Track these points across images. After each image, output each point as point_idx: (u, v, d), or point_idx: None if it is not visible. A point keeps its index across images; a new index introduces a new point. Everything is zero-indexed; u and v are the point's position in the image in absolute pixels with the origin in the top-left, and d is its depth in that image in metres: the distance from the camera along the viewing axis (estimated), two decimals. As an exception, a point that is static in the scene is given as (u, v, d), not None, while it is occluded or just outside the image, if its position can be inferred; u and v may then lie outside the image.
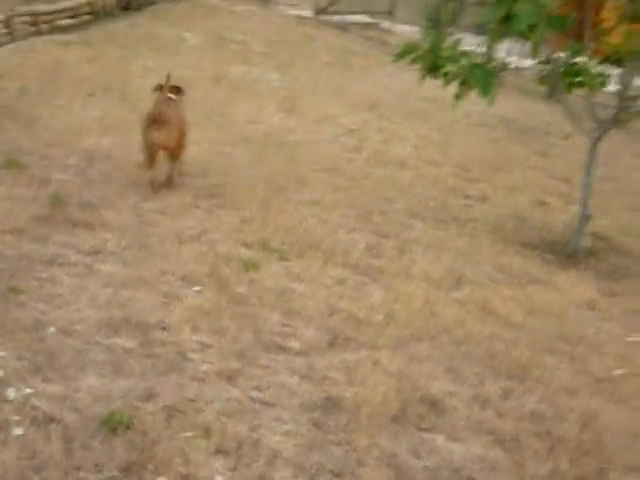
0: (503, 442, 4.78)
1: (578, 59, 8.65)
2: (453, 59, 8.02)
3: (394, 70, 16.75)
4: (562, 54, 8.78)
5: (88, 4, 18.71)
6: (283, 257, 6.95)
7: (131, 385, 4.61)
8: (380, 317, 6.05)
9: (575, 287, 7.55)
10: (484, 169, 11.30)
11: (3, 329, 4.95)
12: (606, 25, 8.96)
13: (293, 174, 9.42)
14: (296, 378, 5.03)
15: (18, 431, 4.01)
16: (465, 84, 7.83)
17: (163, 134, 8.10)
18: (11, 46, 14.10)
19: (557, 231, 9.20)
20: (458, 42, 8.32)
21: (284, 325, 5.73)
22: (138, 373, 4.76)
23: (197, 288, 6.04)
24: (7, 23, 15.23)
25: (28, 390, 4.35)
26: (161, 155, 8.27)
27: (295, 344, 5.47)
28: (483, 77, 7.58)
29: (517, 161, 12.12)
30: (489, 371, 5.61)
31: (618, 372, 5.94)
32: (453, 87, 7.99)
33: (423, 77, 8.28)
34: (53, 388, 4.44)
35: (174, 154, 8.35)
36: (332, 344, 5.57)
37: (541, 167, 12.08)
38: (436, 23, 22.32)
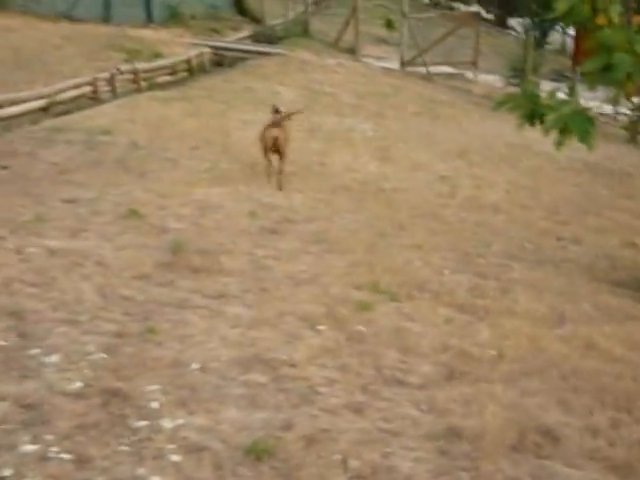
0: (617, 468, 5.01)
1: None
2: (553, 107, 8.34)
3: (480, 118, 17.23)
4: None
5: (185, 62, 19.58)
6: (393, 298, 7.29)
7: (269, 417, 4.97)
8: (492, 353, 6.33)
9: (672, 323, 7.75)
10: (573, 212, 11.60)
11: (146, 366, 5.37)
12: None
13: (392, 219, 9.82)
14: (418, 410, 5.35)
15: (175, 458, 4.40)
16: (565, 131, 8.15)
17: (277, 132, 10.93)
18: (117, 102, 14.88)
19: (648, 271, 9.43)
20: (555, 91, 8.64)
21: (402, 361, 6.05)
22: (273, 406, 5.12)
23: (318, 327, 6.40)
24: (110, 80, 16.06)
25: (180, 421, 4.75)
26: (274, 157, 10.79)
27: (414, 379, 5.79)
28: (583, 124, 7.92)
29: (604, 204, 12.37)
30: (597, 403, 5.84)
31: None
32: (538, 133, 8.31)
33: (521, 125, 8.59)
34: (199, 420, 4.82)
35: (283, 153, 11.01)
36: (449, 378, 5.88)
37: (628, 209, 12.32)
38: (519, 72, 22.78)
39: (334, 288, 7.31)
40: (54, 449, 4.29)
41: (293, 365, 5.69)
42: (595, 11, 7.84)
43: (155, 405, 4.89)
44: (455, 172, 13.05)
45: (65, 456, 4.24)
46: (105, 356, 5.44)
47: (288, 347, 5.97)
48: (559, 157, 13.74)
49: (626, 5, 7.97)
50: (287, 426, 4.88)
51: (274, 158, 11.02)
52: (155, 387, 5.11)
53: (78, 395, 4.87)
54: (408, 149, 14.14)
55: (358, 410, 5.23)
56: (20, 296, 6.24)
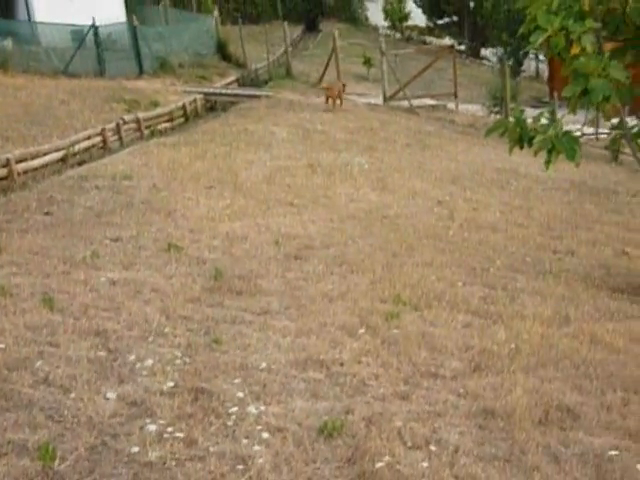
0: (630, 435, 5.83)
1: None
2: (539, 130, 9.19)
3: (466, 146, 18.18)
4: (629, 119, 9.90)
5: (180, 108, 20.54)
6: (416, 308, 8.16)
7: (330, 405, 5.81)
8: (511, 347, 7.18)
9: (666, 320, 8.61)
10: (565, 227, 12.48)
11: (220, 369, 6.24)
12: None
13: (401, 242, 10.68)
14: (455, 395, 6.19)
15: (265, 435, 5.25)
16: (553, 151, 9.00)
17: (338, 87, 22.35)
18: (128, 150, 15.76)
19: (641, 276, 10.28)
20: (540, 116, 9.51)
21: (432, 359, 6.89)
22: (332, 396, 5.97)
23: (356, 334, 7.26)
24: (117, 130, 16.99)
25: (261, 408, 5.61)
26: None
27: (446, 372, 6.63)
28: (569, 143, 8.78)
29: (594, 219, 13.25)
30: (607, 386, 6.66)
31: None
32: (523, 157, 9.14)
33: (512, 148, 9.44)
34: (274, 409, 5.67)
35: (341, 98, 23.12)
36: (476, 370, 6.72)
37: (616, 223, 13.19)
38: (498, 100, 23.80)
39: (362, 302, 8.17)
40: (169, 429, 5.17)
41: (342, 364, 6.55)
42: (569, 42, 8.67)
43: (240, 395, 5.74)
44: (451, 197, 13.94)
45: (178, 434, 5.12)
46: (184, 362, 6.29)
47: (334, 350, 6.82)
48: (546, 178, 14.74)
49: (598, 34, 8.80)
50: (348, 411, 5.73)
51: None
52: (233, 384, 5.96)
53: (171, 393, 5.73)
54: (403, 178, 15.03)
55: (404, 397, 6.07)
56: (98, 319, 7.14)
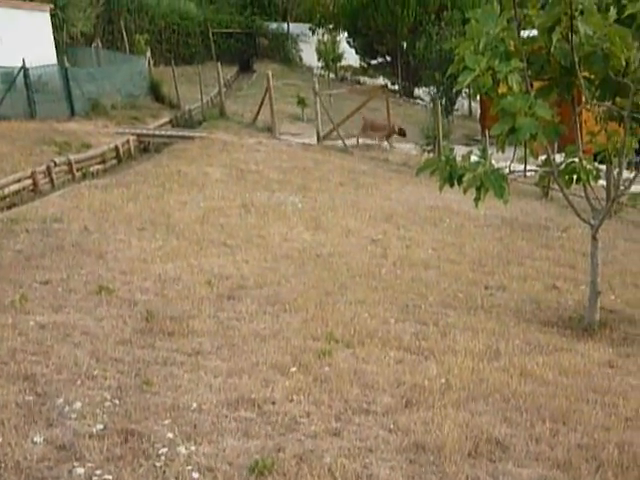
0: (559, 465, 5.92)
1: (572, 159, 9.90)
2: (468, 168, 9.30)
3: (400, 185, 18.35)
4: (558, 156, 10.09)
5: (113, 150, 20.47)
6: (348, 345, 8.19)
7: (262, 443, 5.81)
8: (440, 382, 7.24)
9: (595, 352, 8.73)
10: (497, 263, 12.64)
11: (150, 411, 6.20)
12: (587, 126, 10.32)
13: (334, 280, 10.74)
14: (386, 431, 6.22)
15: (195, 475, 5.23)
16: (481, 188, 9.11)
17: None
18: (59, 192, 15.65)
19: (571, 309, 10.44)
20: (469, 154, 9.63)
21: (364, 395, 6.92)
22: (263, 435, 5.96)
23: (288, 372, 7.27)
24: (48, 173, 16.88)
25: (192, 448, 5.58)
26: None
27: (378, 408, 6.66)
28: (497, 181, 8.90)
29: (525, 254, 13.44)
30: (536, 418, 6.74)
31: (643, 410, 7.11)
32: (456, 195, 9.28)
33: (442, 186, 9.54)
34: (205, 449, 5.65)
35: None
36: (407, 406, 6.76)
37: (547, 257, 13.39)
38: (432, 139, 24.10)
39: (295, 340, 8.19)
40: (98, 472, 5.12)
41: (274, 402, 6.55)
42: (496, 81, 8.85)
43: (170, 436, 5.72)
44: (384, 235, 14.05)
45: (107, 477, 5.07)
46: (114, 405, 6.25)
47: (266, 389, 6.82)
48: (479, 215, 14.92)
49: (523, 74, 8.98)
50: (279, 449, 5.73)
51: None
52: (163, 425, 5.93)
53: (100, 436, 5.68)
54: (337, 217, 15.12)
55: (336, 433, 6.09)
56: (26, 363, 7.06)
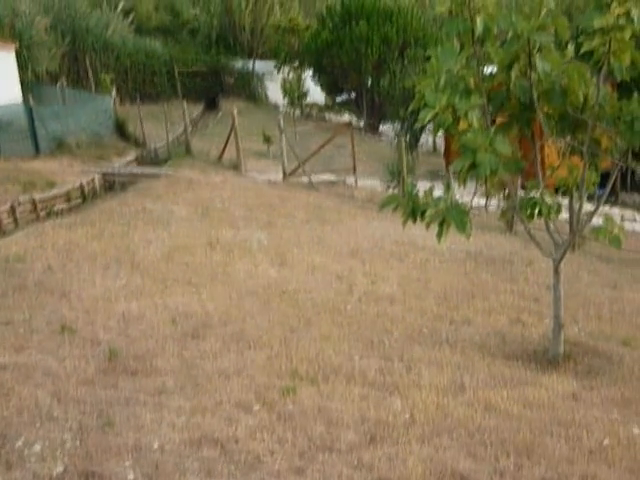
0: (524, 499, 5.96)
1: (534, 193, 9.96)
2: (431, 204, 9.34)
3: (365, 220, 18.39)
4: (520, 190, 10.15)
5: (78, 189, 20.42)
6: (312, 382, 8.17)
7: (224, 483, 5.79)
8: (405, 417, 7.24)
9: (559, 384, 8.76)
10: (462, 297, 12.65)
11: (112, 452, 6.15)
12: (549, 160, 10.40)
13: (299, 316, 10.73)
14: (350, 468, 6.21)
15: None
16: (444, 223, 9.15)
17: None
18: (24, 231, 15.56)
19: (535, 342, 10.46)
20: (431, 189, 9.68)
21: (328, 432, 6.91)
22: (227, 474, 5.94)
23: (252, 410, 7.24)
24: (11, 212, 16.79)
25: (153, 489, 5.55)
26: None
27: (342, 445, 6.66)
28: (458, 216, 8.94)
29: (490, 288, 13.48)
30: (501, 452, 6.76)
31: (606, 442, 7.13)
32: (421, 230, 9.31)
33: (405, 221, 9.57)
34: (167, 489, 5.62)
35: None
36: (371, 442, 6.76)
37: (512, 291, 13.43)
38: (396, 175, 24.20)
39: (259, 378, 8.16)
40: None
41: (237, 441, 6.52)
42: (456, 118, 8.92)
43: (131, 477, 5.67)
44: (350, 271, 14.05)
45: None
46: (74, 446, 6.19)
47: (230, 427, 6.80)
48: (443, 249, 14.97)
49: (484, 110, 9.06)
50: (241, 489, 5.70)
51: None
52: (125, 466, 5.88)
53: (61, 478, 5.62)
54: (303, 253, 15.11)
55: (299, 472, 6.08)
56: (-16, 406, 6.98)
